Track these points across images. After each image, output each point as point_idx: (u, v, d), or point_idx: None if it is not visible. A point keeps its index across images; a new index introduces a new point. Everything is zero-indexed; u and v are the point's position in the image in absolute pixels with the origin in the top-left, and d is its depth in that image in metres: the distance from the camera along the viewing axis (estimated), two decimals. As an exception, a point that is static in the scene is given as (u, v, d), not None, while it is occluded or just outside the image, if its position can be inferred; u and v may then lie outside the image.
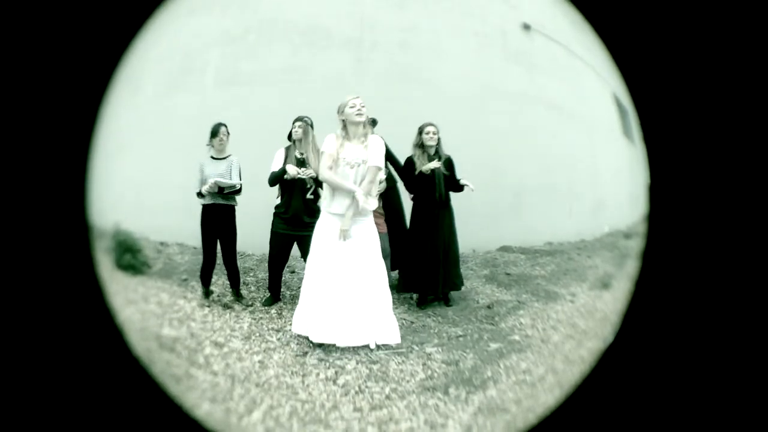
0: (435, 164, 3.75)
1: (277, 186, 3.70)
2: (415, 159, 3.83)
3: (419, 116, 3.89)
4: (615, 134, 4.06)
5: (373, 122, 3.76)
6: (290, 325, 3.30)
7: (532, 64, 4.70)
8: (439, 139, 3.82)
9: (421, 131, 3.82)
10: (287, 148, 3.69)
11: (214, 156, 3.67)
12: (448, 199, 3.85)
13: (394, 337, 3.07)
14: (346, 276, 3.04)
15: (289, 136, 3.71)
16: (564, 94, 4.67)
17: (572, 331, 3.06)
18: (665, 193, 2.07)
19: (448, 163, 3.83)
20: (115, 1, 2.02)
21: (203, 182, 3.59)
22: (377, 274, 3.14)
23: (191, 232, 3.69)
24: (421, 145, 3.83)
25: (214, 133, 3.65)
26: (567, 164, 4.61)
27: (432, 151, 3.81)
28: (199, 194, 3.59)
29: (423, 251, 3.76)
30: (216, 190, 3.56)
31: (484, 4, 4.77)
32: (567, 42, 4.44)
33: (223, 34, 4.43)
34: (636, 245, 2.19)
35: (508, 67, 4.70)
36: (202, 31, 4.34)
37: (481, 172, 3.84)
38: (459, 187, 3.82)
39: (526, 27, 4.71)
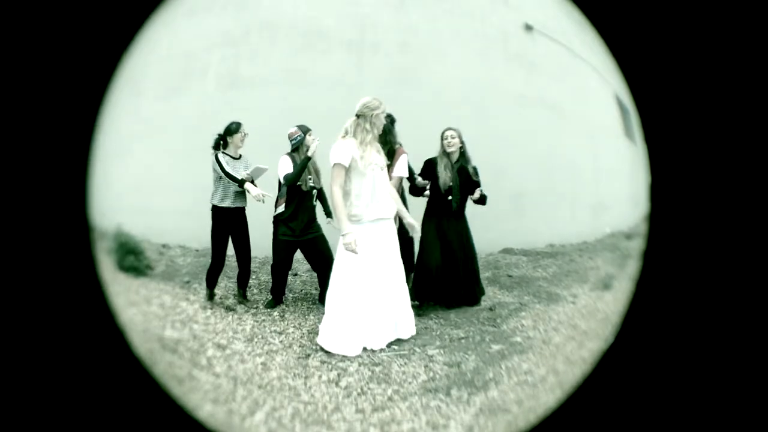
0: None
1: (278, 195, 3.69)
2: (438, 167, 3.72)
3: (420, 118, 3.90)
4: (616, 135, 4.06)
5: (392, 121, 3.78)
6: (293, 327, 3.31)
7: (532, 65, 4.71)
8: (462, 144, 3.73)
9: (441, 137, 3.74)
10: (291, 155, 3.65)
11: (232, 155, 3.66)
12: (461, 210, 3.78)
13: (411, 329, 3.22)
14: (382, 283, 3.11)
15: (297, 147, 3.65)
16: (565, 94, 4.68)
17: (573, 332, 3.06)
18: (666, 193, 2.07)
19: (470, 173, 3.73)
20: (114, 2, 2.02)
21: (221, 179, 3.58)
22: (400, 272, 3.23)
23: (193, 234, 3.70)
24: (444, 152, 3.74)
25: (236, 129, 3.62)
26: (568, 165, 4.62)
27: (455, 158, 3.72)
28: (238, 181, 3.54)
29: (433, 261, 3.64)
30: (253, 178, 3.59)
31: (485, 6, 4.78)
32: (568, 42, 4.45)
33: (224, 36, 4.45)
34: (637, 246, 2.19)
35: (509, 69, 4.71)
36: (203, 32, 4.36)
37: (483, 173, 3.83)
38: (480, 199, 3.70)
39: (528, 28, 4.72)
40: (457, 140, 3.70)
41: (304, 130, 3.66)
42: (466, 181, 3.72)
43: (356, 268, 3.08)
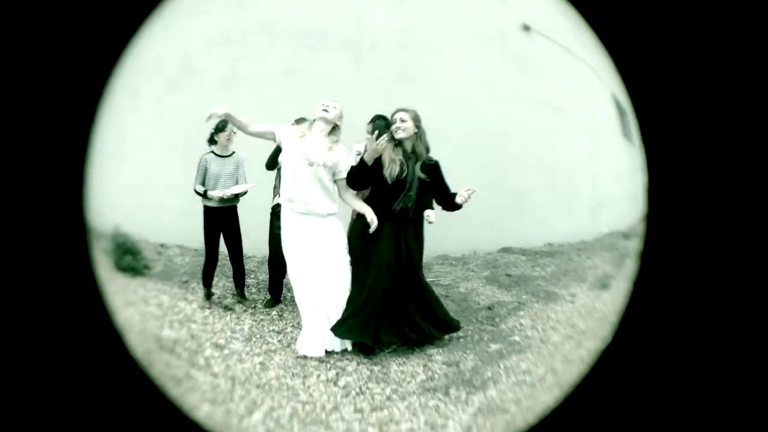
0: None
1: (274, 188, 3.69)
2: (383, 154, 2.93)
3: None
4: (614, 135, 4.06)
5: (387, 125, 3.73)
6: (291, 327, 3.31)
7: (531, 65, 4.70)
8: (417, 131, 2.97)
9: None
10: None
11: (219, 153, 3.65)
12: (417, 216, 3.16)
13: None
14: (326, 280, 3.08)
15: None
16: (563, 94, 4.68)
17: (572, 332, 3.06)
18: (664, 193, 2.07)
19: (432, 170, 3.05)
20: (112, 2, 2.02)
21: (206, 179, 3.57)
22: (335, 273, 3.12)
23: (191, 234, 3.69)
24: (393, 138, 2.98)
25: (222, 128, 3.60)
26: (566, 165, 4.62)
27: (408, 148, 2.99)
28: (204, 194, 3.56)
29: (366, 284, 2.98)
30: (233, 197, 3.59)
31: (483, 5, 4.78)
32: (566, 42, 4.45)
33: (223, 35, 4.44)
34: (635, 246, 2.19)
35: (507, 68, 4.71)
36: (201, 32, 4.35)
37: (482, 173, 3.83)
38: (453, 204, 3.03)
39: (526, 28, 4.72)
40: (409, 124, 2.95)
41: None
42: (421, 181, 3.02)
43: (289, 260, 3.16)
